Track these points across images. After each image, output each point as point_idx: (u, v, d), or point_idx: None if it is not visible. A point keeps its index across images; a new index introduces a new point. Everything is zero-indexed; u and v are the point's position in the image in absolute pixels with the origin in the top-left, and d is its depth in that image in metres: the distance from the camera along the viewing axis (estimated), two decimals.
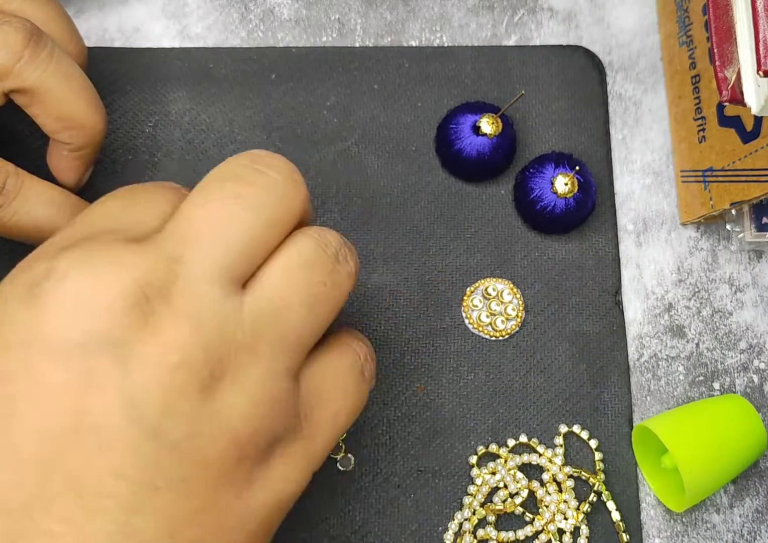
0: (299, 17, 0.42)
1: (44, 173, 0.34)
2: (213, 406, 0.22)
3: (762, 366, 0.39)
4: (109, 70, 0.40)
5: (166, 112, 0.39)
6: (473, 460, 0.36)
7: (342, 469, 0.36)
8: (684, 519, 0.37)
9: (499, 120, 0.37)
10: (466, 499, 0.36)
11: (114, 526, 0.21)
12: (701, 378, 0.38)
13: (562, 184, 0.37)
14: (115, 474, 0.21)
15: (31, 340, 0.22)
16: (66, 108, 0.32)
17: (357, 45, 0.41)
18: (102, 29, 0.41)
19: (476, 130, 0.38)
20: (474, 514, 0.35)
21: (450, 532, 0.35)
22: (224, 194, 0.24)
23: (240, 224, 0.24)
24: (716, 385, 0.38)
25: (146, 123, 0.39)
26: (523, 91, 0.37)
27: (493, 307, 0.38)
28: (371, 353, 0.29)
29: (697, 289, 0.39)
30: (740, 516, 0.37)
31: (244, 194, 0.24)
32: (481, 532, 0.35)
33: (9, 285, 0.23)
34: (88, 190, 0.37)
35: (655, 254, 0.40)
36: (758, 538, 0.37)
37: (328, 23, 0.42)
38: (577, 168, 0.37)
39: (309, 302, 0.25)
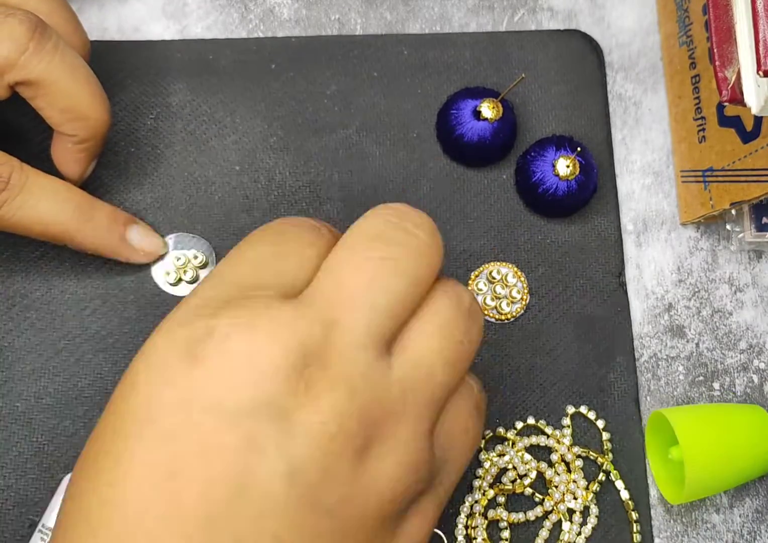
0: (299, 17, 0.42)
1: (47, 168, 0.34)
2: (364, 471, 0.23)
3: (762, 366, 0.39)
4: (109, 64, 0.40)
5: (167, 104, 0.40)
6: (481, 443, 0.36)
7: None
8: (684, 519, 0.37)
9: (500, 104, 0.38)
10: (476, 482, 0.36)
11: None
12: (701, 378, 0.39)
13: (564, 166, 0.37)
14: (276, 538, 0.21)
15: (194, 401, 0.22)
16: (71, 100, 0.32)
17: None
18: (102, 29, 0.41)
19: (477, 115, 0.38)
20: (484, 495, 0.36)
21: (462, 515, 0.35)
22: (373, 254, 0.24)
23: (389, 287, 0.24)
24: (716, 385, 0.39)
25: (147, 115, 0.39)
26: (523, 75, 0.37)
27: (497, 290, 0.38)
28: (481, 384, 0.29)
29: (697, 289, 0.40)
30: (740, 516, 0.37)
31: (393, 256, 0.25)
32: (491, 513, 0.35)
33: (166, 340, 0.23)
34: (92, 183, 0.38)
35: (655, 254, 0.40)
36: (758, 538, 0.37)
37: (328, 23, 0.42)
38: (579, 150, 0.37)
39: (451, 363, 0.25)
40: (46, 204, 0.33)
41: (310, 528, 0.22)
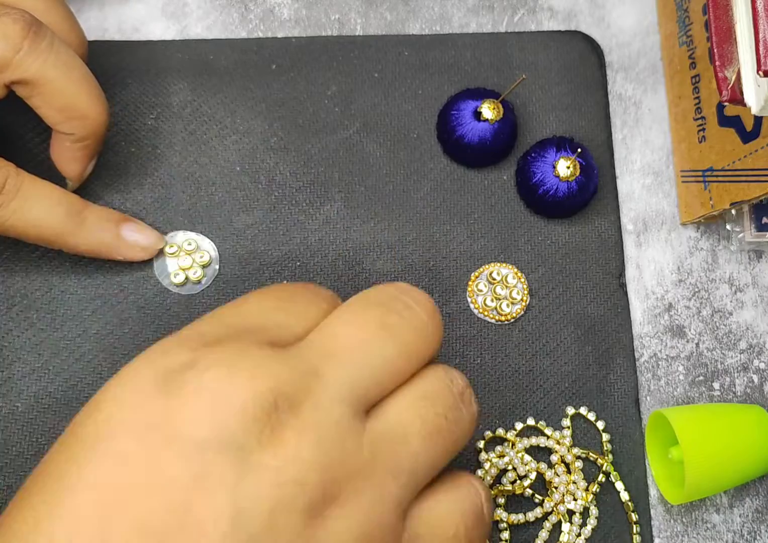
0: (299, 17, 0.42)
1: (43, 170, 0.34)
2: (315, 531, 0.22)
3: (762, 366, 0.39)
4: (110, 64, 0.40)
5: (168, 104, 0.40)
6: (480, 444, 0.36)
7: None
8: (684, 519, 0.37)
9: (500, 105, 0.38)
10: None
11: None
12: (701, 378, 0.39)
13: (564, 167, 0.37)
14: None
15: (155, 429, 0.21)
16: (68, 98, 0.32)
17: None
18: (102, 29, 0.41)
19: (477, 116, 0.38)
20: None
21: None
22: (371, 319, 0.25)
23: (381, 352, 0.24)
24: (716, 385, 0.39)
25: (148, 115, 0.39)
26: (524, 76, 0.37)
27: (498, 291, 0.38)
28: (489, 495, 0.27)
29: (697, 289, 0.40)
30: (740, 516, 0.37)
31: (390, 324, 0.25)
32: None
33: (145, 365, 0.23)
34: (92, 184, 0.38)
35: (655, 254, 0.40)
36: (758, 538, 0.37)
37: (328, 23, 0.42)
38: (579, 151, 0.37)
39: (427, 433, 0.24)
40: (39, 209, 0.33)
41: None
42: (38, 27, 0.31)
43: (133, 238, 0.36)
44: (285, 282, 0.27)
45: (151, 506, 0.21)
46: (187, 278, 0.37)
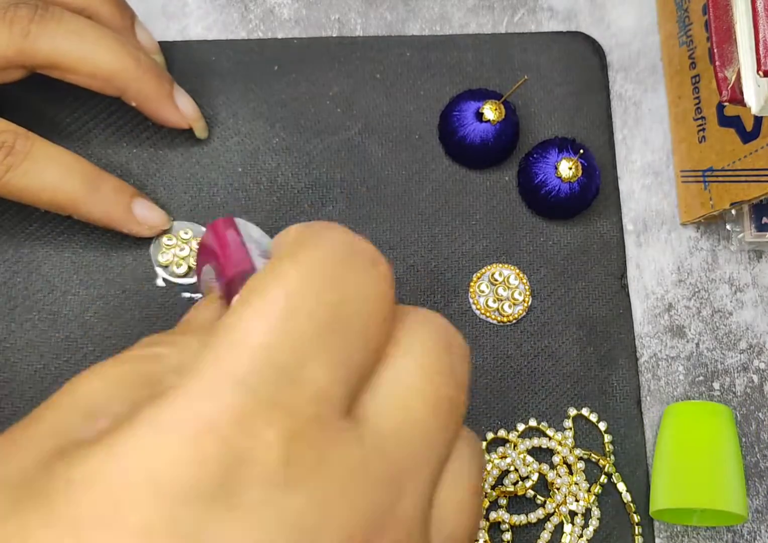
0: (299, 17, 0.42)
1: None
2: None
3: (762, 366, 0.39)
4: None
5: None
6: (482, 446, 0.36)
7: None
8: None
9: (502, 106, 0.38)
10: None
11: None
12: (701, 378, 0.39)
13: (566, 168, 0.37)
14: None
15: None
16: (90, 65, 0.32)
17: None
18: None
19: (479, 116, 0.38)
20: (486, 496, 0.36)
21: None
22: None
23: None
24: (716, 385, 0.39)
25: None
26: (526, 76, 0.37)
27: (500, 292, 0.38)
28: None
29: (697, 289, 0.40)
30: None
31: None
32: (493, 515, 0.35)
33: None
34: None
35: (655, 254, 0.40)
36: (758, 538, 0.37)
37: (328, 23, 0.42)
38: (581, 152, 0.37)
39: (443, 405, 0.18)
40: (52, 172, 0.33)
41: None
42: (44, 9, 0.32)
43: (143, 215, 0.36)
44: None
45: None
46: (189, 268, 0.37)
